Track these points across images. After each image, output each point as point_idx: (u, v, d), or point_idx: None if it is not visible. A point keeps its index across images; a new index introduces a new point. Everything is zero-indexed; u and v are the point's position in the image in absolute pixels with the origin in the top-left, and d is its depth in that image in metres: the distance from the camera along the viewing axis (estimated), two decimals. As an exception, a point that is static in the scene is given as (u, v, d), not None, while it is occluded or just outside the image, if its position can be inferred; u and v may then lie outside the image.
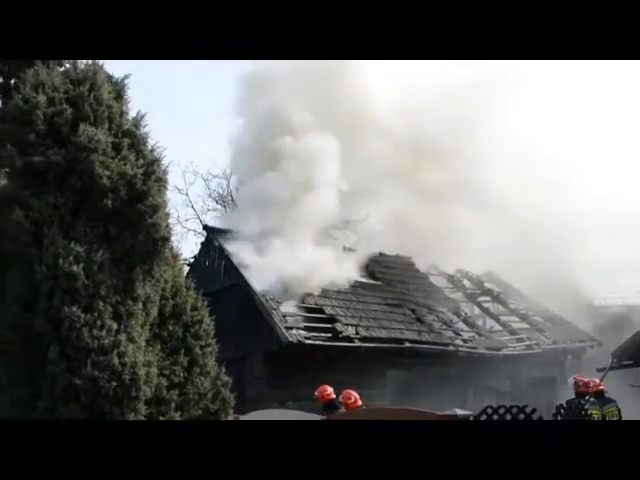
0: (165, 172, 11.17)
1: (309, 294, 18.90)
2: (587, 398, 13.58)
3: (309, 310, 18.74)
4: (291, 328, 17.65)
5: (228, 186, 28.37)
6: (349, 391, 13.63)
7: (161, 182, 11.01)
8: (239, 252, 18.74)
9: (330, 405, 13.76)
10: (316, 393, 14.01)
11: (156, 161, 11.10)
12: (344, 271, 19.76)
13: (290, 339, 17.14)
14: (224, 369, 12.11)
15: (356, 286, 20.60)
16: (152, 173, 10.89)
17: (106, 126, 10.98)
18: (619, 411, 13.08)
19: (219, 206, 28.58)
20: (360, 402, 13.51)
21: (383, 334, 19.04)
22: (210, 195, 28.60)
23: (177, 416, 10.82)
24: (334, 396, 13.87)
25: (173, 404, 11.06)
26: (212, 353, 12.07)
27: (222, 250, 19.67)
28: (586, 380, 14.18)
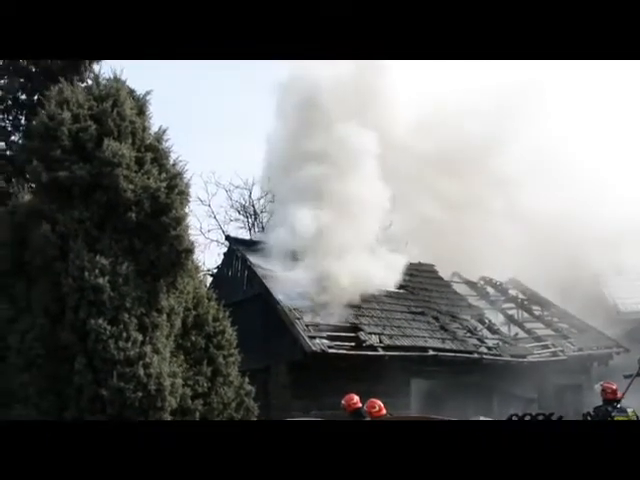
0: (187, 185, 11.34)
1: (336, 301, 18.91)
2: (615, 405, 13.44)
3: (333, 319, 18.77)
4: (314, 337, 17.68)
5: (250, 196, 28.52)
6: (373, 400, 13.61)
7: (184, 195, 11.18)
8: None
9: (356, 414, 13.75)
10: (342, 402, 14.00)
11: (178, 174, 11.28)
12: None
13: (314, 348, 17.16)
14: (247, 378, 12.20)
15: (379, 294, 20.58)
16: (175, 186, 11.06)
17: (129, 141, 11.17)
18: (636, 414, 13.01)
19: (241, 217, 28.72)
20: (384, 411, 13.48)
21: (407, 342, 18.99)
22: (232, 206, 28.72)
23: (202, 426, 10.91)
24: (360, 405, 13.87)
25: (198, 414, 11.17)
26: (235, 363, 12.18)
27: (245, 260, 19.77)
28: (614, 387, 14.01)
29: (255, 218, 28.33)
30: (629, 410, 13.31)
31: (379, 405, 13.65)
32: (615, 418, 13.16)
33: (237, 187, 28.80)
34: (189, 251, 11.13)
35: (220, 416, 11.47)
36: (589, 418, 12.80)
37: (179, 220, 10.90)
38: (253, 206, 28.45)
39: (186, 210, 11.21)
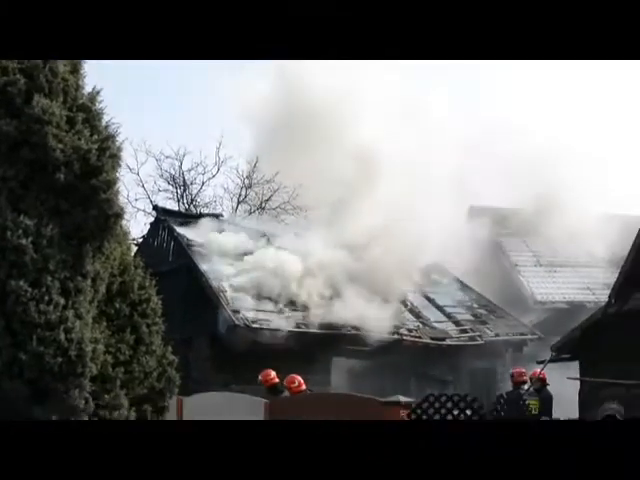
0: (120, 149, 11.03)
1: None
2: (526, 388, 14.11)
3: (257, 294, 18.80)
4: (238, 311, 17.68)
5: (181, 167, 28.29)
6: (293, 375, 13.75)
7: (115, 158, 10.88)
8: None
9: (273, 389, 13.88)
10: (259, 377, 14.11)
11: (111, 137, 10.96)
12: None
13: (237, 322, 17.19)
14: (170, 348, 12.09)
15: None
16: (107, 149, 10.73)
17: (61, 99, 10.77)
18: (551, 398, 13.78)
19: (170, 187, 28.47)
20: (304, 386, 13.65)
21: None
22: (162, 175, 28.46)
23: (122, 394, 10.77)
24: (277, 380, 13.98)
25: (118, 382, 11.00)
26: (159, 332, 12.01)
27: (172, 231, 19.60)
28: (522, 370, 14.82)
29: (184, 189, 28.16)
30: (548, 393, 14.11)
31: (299, 381, 13.79)
32: (526, 402, 13.87)
33: (168, 157, 28.51)
34: (118, 216, 10.87)
35: (141, 385, 11.32)
36: (502, 401, 13.43)
37: (109, 183, 10.61)
38: (183, 177, 28.26)
39: (117, 174, 10.94)
